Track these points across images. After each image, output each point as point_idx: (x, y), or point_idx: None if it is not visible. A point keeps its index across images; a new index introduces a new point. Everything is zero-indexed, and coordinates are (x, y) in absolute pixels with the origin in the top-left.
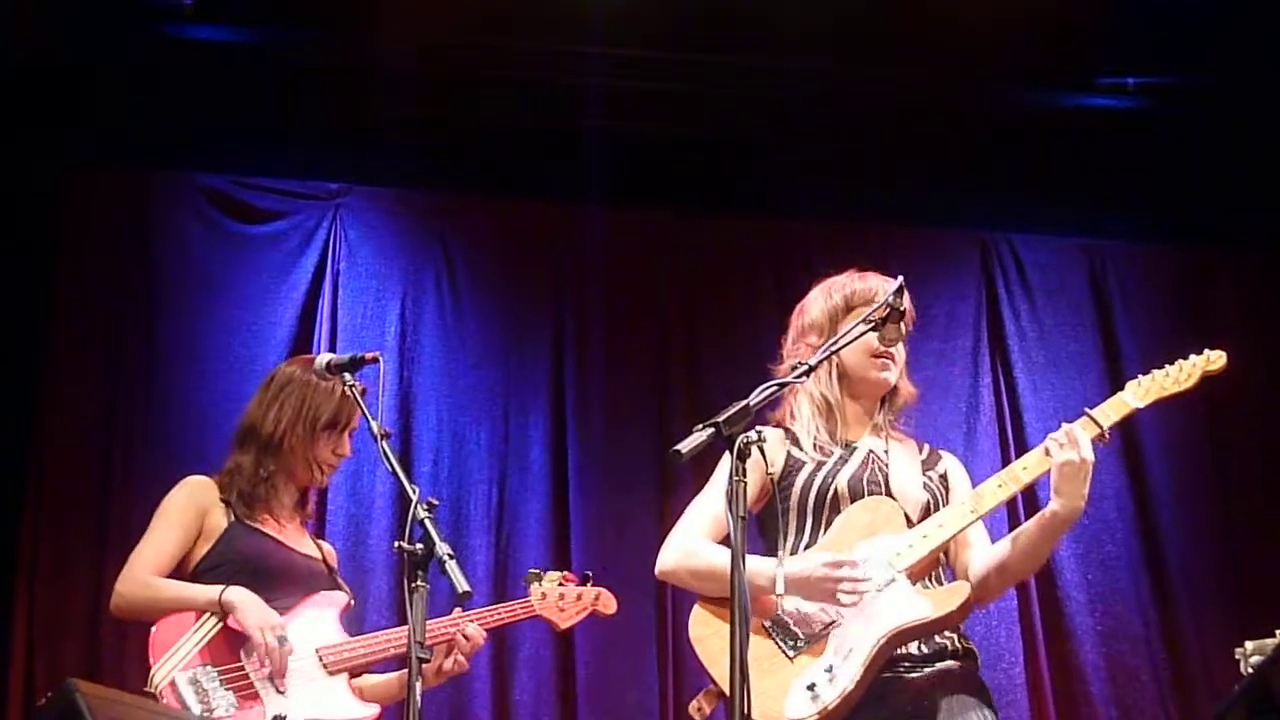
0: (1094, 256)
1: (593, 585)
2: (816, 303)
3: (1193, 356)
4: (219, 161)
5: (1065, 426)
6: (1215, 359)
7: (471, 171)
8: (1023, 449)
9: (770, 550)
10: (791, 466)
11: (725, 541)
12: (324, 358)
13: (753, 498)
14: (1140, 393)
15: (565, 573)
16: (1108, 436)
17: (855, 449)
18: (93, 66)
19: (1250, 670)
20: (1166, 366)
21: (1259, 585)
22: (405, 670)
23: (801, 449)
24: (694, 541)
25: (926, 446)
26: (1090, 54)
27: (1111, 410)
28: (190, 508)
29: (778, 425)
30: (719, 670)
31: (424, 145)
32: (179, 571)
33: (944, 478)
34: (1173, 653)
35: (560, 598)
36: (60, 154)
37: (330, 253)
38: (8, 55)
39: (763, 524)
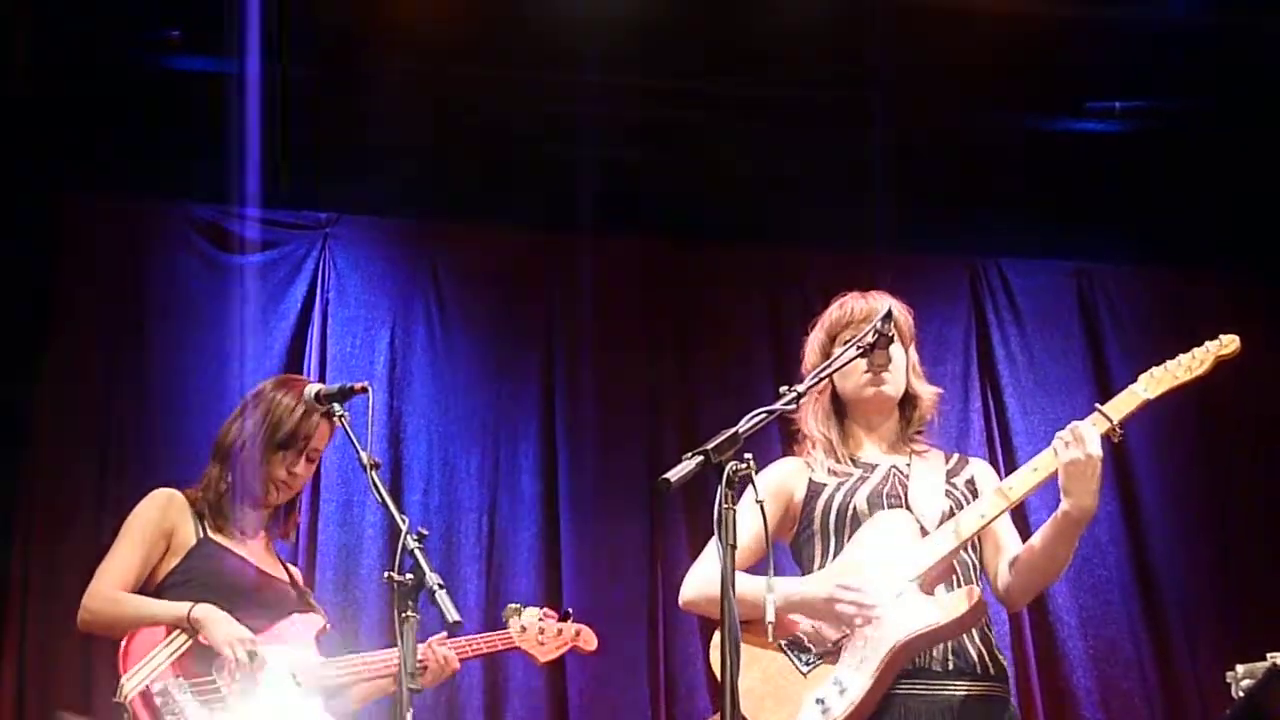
0: (1083, 280)
1: (573, 622)
2: (809, 343)
3: (1206, 343)
4: (208, 192)
5: (1072, 424)
6: (1228, 343)
7: (461, 200)
8: (1013, 472)
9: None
10: (813, 492)
11: (748, 569)
12: (313, 388)
13: (780, 527)
14: (1152, 384)
15: (545, 609)
16: (1120, 431)
17: (876, 467)
18: (82, 97)
19: (1242, 694)
20: (1179, 356)
21: (1251, 608)
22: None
23: (821, 475)
24: (713, 570)
25: (955, 455)
26: (1078, 78)
27: (1123, 404)
28: (157, 522)
29: (797, 456)
30: None
31: (413, 174)
32: (145, 584)
33: (970, 483)
34: (1165, 676)
35: (540, 632)
36: (51, 184)
37: (319, 283)
38: (0, 86)
39: (796, 551)
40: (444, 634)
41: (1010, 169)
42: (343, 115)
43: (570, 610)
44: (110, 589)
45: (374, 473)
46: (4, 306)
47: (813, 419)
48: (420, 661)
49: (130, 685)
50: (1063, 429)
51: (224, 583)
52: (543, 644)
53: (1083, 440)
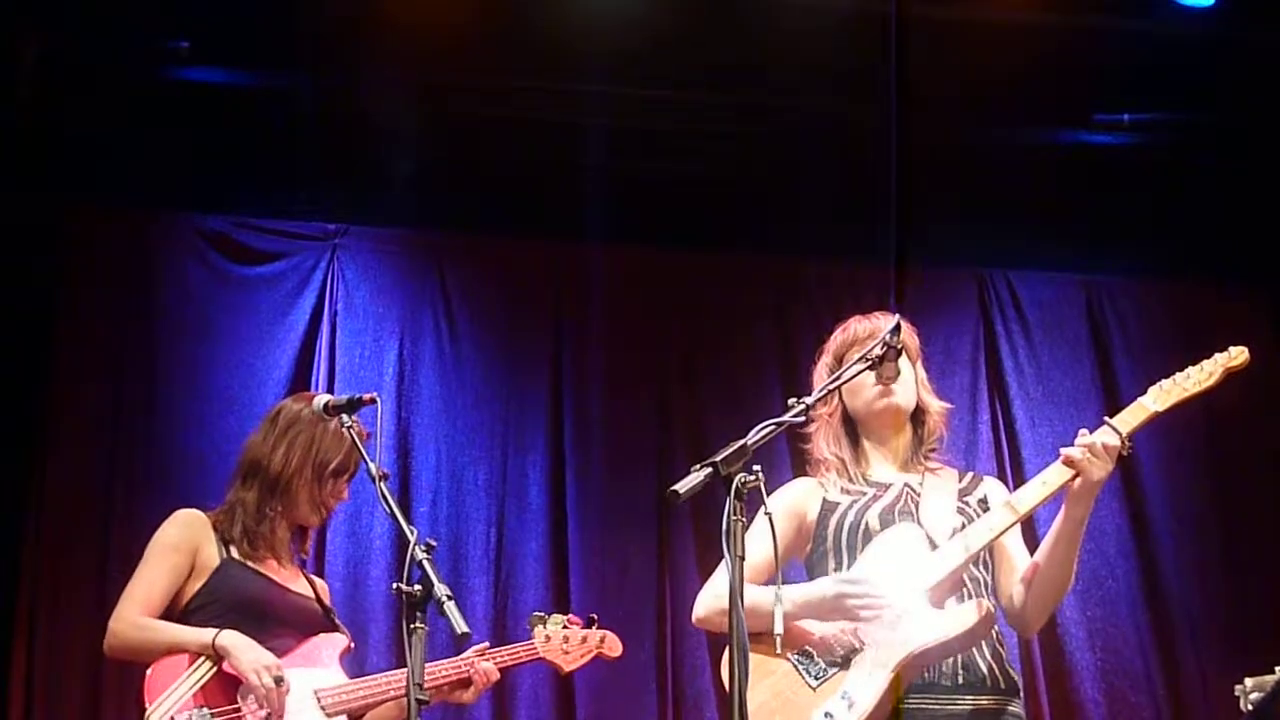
0: (1091, 292)
1: (598, 628)
2: (817, 369)
3: (1215, 355)
4: (217, 203)
5: (1089, 439)
6: (1237, 354)
7: (469, 211)
8: (1021, 485)
9: None
10: (826, 510)
11: (759, 583)
12: (321, 399)
13: (794, 546)
14: (1161, 397)
15: (570, 615)
16: (1128, 444)
17: (889, 486)
18: (91, 107)
19: (1250, 707)
20: (1188, 368)
21: (1259, 621)
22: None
23: (834, 494)
24: (725, 587)
25: (970, 474)
26: (1086, 91)
27: (1131, 417)
28: (181, 544)
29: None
30: None
31: (422, 185)
32: (170, 607)
33: (983, 502)
34: (1173, 689)
35: (565, 640)
36: (60, 195)
37: (328, 293)
38: (9, 98)
39: (809, 569)
40: (484, 645)
41: (1018, 181)
42: (351, 125)
43: (595, 616)
44: (135, 614)
45: (382, 484)
46: (11, 317)
47: (824, 441)
48: (465, 676)
49: (155, 717)
50: (1069, 445)
51: (249, 603)
52: (567, 653)
53: (1104, 456)
